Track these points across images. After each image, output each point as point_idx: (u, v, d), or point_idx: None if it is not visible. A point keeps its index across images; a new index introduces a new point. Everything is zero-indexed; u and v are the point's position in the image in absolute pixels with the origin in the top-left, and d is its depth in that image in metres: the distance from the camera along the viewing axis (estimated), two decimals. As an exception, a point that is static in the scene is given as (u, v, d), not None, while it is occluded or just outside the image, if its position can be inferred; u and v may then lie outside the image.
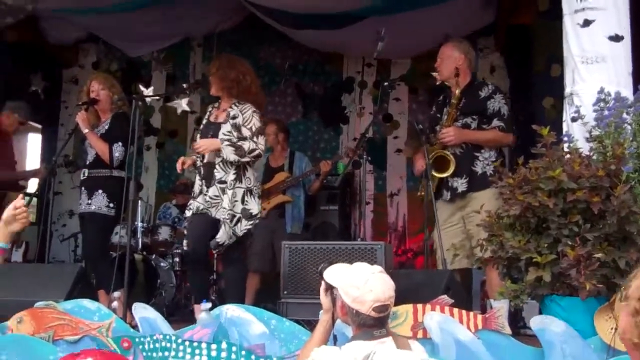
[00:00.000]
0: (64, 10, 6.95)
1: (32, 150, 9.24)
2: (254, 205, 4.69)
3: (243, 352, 3.31)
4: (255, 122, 4.73)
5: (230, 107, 4.79)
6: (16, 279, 4.15)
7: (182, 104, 4.94)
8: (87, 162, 5.28)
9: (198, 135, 4.91)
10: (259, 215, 4.73)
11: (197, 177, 4.81)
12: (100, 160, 5.23)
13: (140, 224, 6.65)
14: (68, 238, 7.75)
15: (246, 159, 4.67)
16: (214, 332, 3.35)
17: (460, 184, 4.65)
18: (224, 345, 3.33)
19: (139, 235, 6.62)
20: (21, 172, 6.81)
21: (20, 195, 3.47)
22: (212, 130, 4.79)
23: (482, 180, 4.58)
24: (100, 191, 5.19)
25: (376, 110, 7.71)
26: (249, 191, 4.70)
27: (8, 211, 3.04)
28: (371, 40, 6.97)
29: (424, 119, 7.41)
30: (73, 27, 7.78)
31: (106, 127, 5.32)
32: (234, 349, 3.31)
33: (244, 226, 4.62)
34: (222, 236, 4.56)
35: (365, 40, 7.02)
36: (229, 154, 4.61)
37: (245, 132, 4.71)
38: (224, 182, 4.64)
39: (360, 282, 2.63)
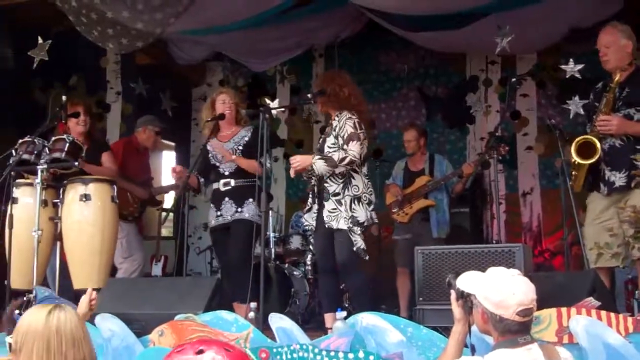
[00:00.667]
0: (192, 32, 7.18)
1: (166, 167, 9.65)
2: (361, 213, 4.61)
3: (381, 361, 3.26)
4: (348, 129, 4.65)
5: (334, 119, 4.81)
6: (156, 292, 4.32)
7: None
8: (227, 173, 5.37)
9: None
10: (366, 224, 4.64)
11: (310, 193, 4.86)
12: (243, 170, 5.33)
13: (272, 234, 6.78)
14: (204, 250, 8.02)
15: (340, 169, 4.62)
16: (351, 341, 3.33)
17: (619, 179, 4.34)
18: (361, 354, 3.28)
19: (272, 245, 6.74)
20: (159, 187, 7.07)
21: (90, 289, 3.66)
22: (320, 144, 4.88)
23: None
24: (250, 200, 5.29)
25: (503, 107, 7.48)
26: (357, 199, 4.64)
27: (83, 307, 3.37)
28: (494, 37, 6.83)
29: (554, 114, 7.15)
30: (200, 47, 8.03)
31: (246, 139, 5.42)
32: (371, 357, 3.26)
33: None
34: (359, 241, 4.57)
35: (487, 37, 6.87)
36: (319, 167, 4.61)
37: (340, 141, 4.68)
38: (338, 193, 4.65)
39: (501, 286, 2.52)
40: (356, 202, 4.63)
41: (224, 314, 3.73)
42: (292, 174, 4.87)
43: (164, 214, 7.28)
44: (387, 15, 6.81)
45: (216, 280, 4.32)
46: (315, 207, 4.80)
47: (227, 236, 5.41)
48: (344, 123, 4.67)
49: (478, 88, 8.16)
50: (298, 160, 4.72)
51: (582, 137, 4.40)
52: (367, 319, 3.38)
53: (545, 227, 7.59)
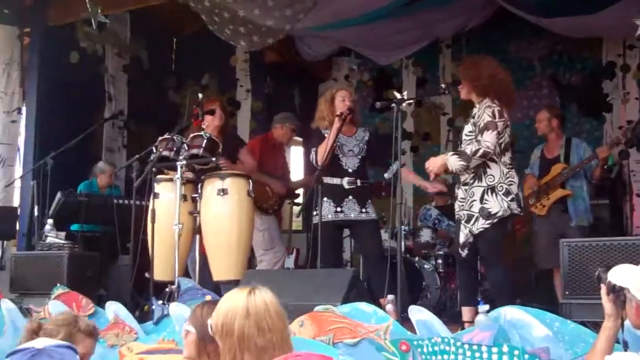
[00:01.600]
0: (318, 27, 7.26)
1: (294, 162, 9.82)
2: (495, 204, 4.44)
3: (526, 356, 3.16)
4: (486, 117, 4.48)
5: (475, 107, 4.67)
6: (293, 284, 4.38)
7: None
8: (351, 170, 5.38)
9: None
10: (500, 214, 4.44)
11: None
12: (365, 169, 5.38)
13: (402, 227, 6.74)
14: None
15: (475, 162, 4.48)
16: (494, 335, 3.25)
17: None
18: (505, 348, 3.20)
19: (400, 238, 6.70)
20: (294, 182, 7.20)
21: None
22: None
23: None
24: (370, 201, 5.36)
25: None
26: (490, 189, 4.47)
27: None
28: (632, 19, 6.48)
29: None
30: (326, 42, 8.13)
31: (366, 138, 5.44)
32: (516, 352, 3.17)
33: (480, 225, 4.45)
34: (460, 236, 4.53)
35: (626, 20, 6.53)
36: (454, 164, 4.52)
37: (476, 130, 4.57)
38: (467, 183, 4.56)
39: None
40: (489, 193, 4.47)
41: (363, 305, 3.73)
42: (431, 177, 4.79)
43: (296, 207, 7.38)
44: (519, 2, 6.62)
45: (352, 272, 4.33)
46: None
47: (356, 234, 5.52)
48: (483, 112, 4.52)
49: (615, 74, 7.80)
50: (432, 164, 4.67)
51: None
52: (511, 312, 3.29)
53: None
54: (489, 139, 4.42)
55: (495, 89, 4.57)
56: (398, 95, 4.93)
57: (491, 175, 4.49)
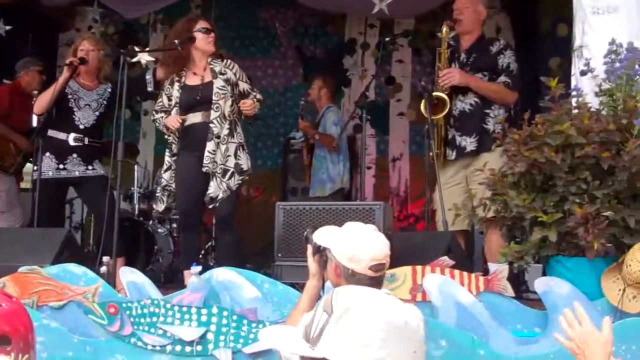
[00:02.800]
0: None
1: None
2: (245, 161, 4.56)
3: (234, 317, 3.18)
4: (244, 75, 4.71)
5: (210, 64, 4.64)
6: (2, 244, 4.03)
7: (144, 57, 4.77)
8: (82, 127, 5.05)
9: (173, 109, 4.65)
10: (249, 172, 4.58)
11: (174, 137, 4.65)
12: (98, 128, 5.17)
13: (137, 190, 6.51)
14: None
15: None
16: (205, 296, 3.22)
17: (469, 143, 4.44)
18: (214, 309, 3.20)
19: (136, 201, 6.49)
20: None
21: None
22: (201, 91, 4.57)
23: (493, 139, 4.39)
24: (98, 160, 5.16)
25: (377, 70, 7.50)
26: (240, 146, 4.57)
27: None
28: (374, -1, 6.79)
29: (427, 81, 7.25)
30: (67, -12, 7.56)
31: (109, 91, 5.19)
32: (225, 313, 3.18)
33: (236, 180, 4.49)
34: (214, 190, 4.44)
35: (368, -1, 6.83)
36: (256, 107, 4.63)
37: (244, 86, 4.62)
38: (219, 136, 4.50)
39: (355, 240, 2.49)
40: (241, 150, 4.56)
41: (72, 267, 3.51)
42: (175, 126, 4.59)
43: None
44: (268, -31, 6.64)
45: (66, 232, 4.07)
46: (173, 164, 4.64)
47: (83, 192, 5.28)
48: (238, 69, 4.68)
49: (355, 51, 8.14)
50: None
51: (429, 94, 4.45)
52: (223, 274, 3.27)
53: (412, 192, 7.71)
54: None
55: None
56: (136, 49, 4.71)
57: (239, 132, 4.61)
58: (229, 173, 4.46)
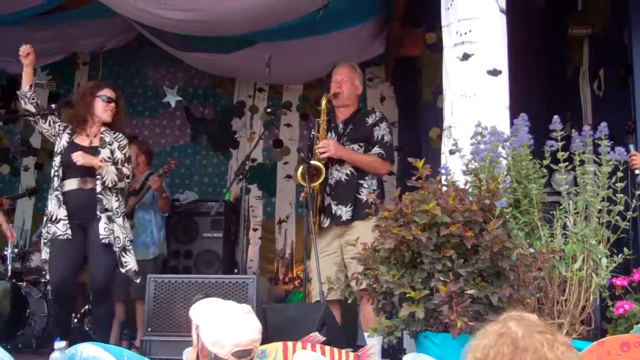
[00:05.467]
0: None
1: None
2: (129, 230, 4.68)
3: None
4: (127, 151, 4.71)
5: (102, 134, 4.63)
6: None
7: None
8: None
9: (58, 159, 4.60)
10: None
11: (56, 202, 4.52)
12: None
13: (9, 250, 6.24)
14: None
15: (121, 185, 4.55)
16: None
17: (345, 212, 4.53)
18: (78, 387, 3.07)
19: (9, 261, 6.21)
20: None
21: None
22: (89, 153, 4.56)
23: (366, 208, 4.51)
24: None
25: (263, 133, 7.60)
26: (126, 216, 4.63)
27: None
28: (262, 65, 6.90)
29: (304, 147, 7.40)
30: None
31: None
32: (89, 391, 3.06)
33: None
34: (131, 263, 4.49)
35: (256, 65, 6.92)
36: (111, 172, 4.49)
37: (119, 155, 4.59)
38: (109, 209, 4.48)
39: (221, 324, 2.44)
40: (125, 220, 4.64)
41: None
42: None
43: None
44: (159, 31, 6.65)
45: None
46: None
47: None
48: (125, 145, 4.72)
49: (244, 114, 8.21)
50: (80, 157, 4.45)
51: (305, 161, 4.54)
52: (88, 349, 3.15)
53: (297, 254, 7.76)
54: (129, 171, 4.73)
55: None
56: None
57: (123, 203, 4.76)
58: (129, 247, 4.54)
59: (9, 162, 8.19)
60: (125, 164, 4.60)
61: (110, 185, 4.47)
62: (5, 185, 8.14)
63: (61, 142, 4.61)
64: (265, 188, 7.97)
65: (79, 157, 4.43)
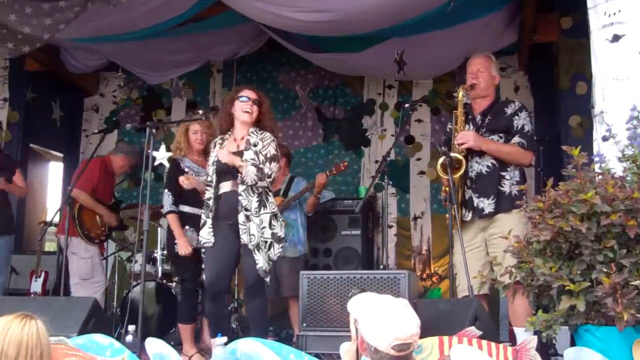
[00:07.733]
0: (85, 39, 6.89)
1: (53, 179, 9.26)
2: (280, 229, 4.67)
3: (260, 389, 3.15)
4: (271, 150, 4.72)
5: (249, 135, 4.71)
6: (31, 312, 4.03)
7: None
8: None
9: (212, 168, 4.78)
10: (286, 239, 4.73)
11: (206, 208, 4.73)
12: None
13: (159, 252, 6.56)
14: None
15: (262, 183, 4.61)
16: (230, 368, 3.21)
17: (487, 205, 4.46)
18: (240, 382, 3.18)
19: (159, 263, 6.53)
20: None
21: None
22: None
23: (509, 200, 4.41)
24: None
25: (397, 132, 7.56)
26: (274, 215, 4.65)
27: None
28: (392, 62, 6.90)
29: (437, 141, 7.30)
30: (93, 56, 7.73)
31: None
32: (251, 385, 3.16)
33: (276, 250, 4.60)
34: (262, 262, 4.52)
35: (386, 62, 6.95)
36: (250, 172, 4.54)
37: (261, 158, 4.67)
38: (248, 209, 4.56)
39: (380, 318, 2.46)
40: (275, 219, 4.65)
41: (99, 337, 3.52)
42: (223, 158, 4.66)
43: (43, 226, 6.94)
44: (288, 34, 6.77)
45: (93, 301, 4.09)
46: (210, 221, 4.67)
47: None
48: (268, 144, 4.70)
49: (374, 112, 8.22)
50: (228, 155, 4.60)
51: (446, 155, 4.47)
52: (248, 345, 3.26)
53: (434, 250, 7.69)
54: (275, 169, 4.68)
55: (268, 119, 4.87)
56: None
57: (272, 202, 4.70)
58: (267, 244, 4.56)
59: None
60: (267, 163, 4.64)
61: (251, 183, 4.56)
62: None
63: (213, 154, 4.81)
64: (398, 185, 7.93)
65: (223, 154, 4.59)
